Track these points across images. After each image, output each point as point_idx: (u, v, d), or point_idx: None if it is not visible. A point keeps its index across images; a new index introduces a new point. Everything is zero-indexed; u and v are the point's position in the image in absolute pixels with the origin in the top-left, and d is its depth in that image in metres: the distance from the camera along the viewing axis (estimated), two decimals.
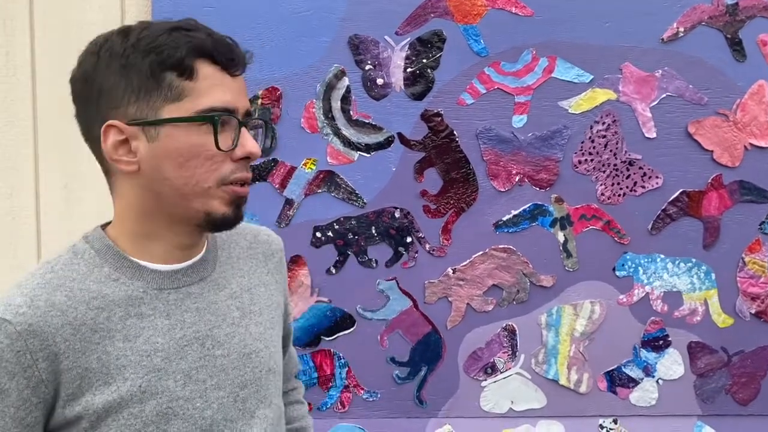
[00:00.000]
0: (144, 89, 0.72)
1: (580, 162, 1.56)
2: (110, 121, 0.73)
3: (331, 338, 1.57)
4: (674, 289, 1.57)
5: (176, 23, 0.74)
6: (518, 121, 1.55)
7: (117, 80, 0.73)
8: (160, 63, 0.72)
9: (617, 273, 1.57)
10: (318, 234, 1.55)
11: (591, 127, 1.55)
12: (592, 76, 1.54)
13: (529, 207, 1.56)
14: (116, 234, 0.78)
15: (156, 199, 0.75)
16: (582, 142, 1.56)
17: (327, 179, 1.54)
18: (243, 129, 0.76)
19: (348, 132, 1.53)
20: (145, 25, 0.75)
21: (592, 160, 1.56)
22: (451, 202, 1.56)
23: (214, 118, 0.73)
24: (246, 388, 0.80)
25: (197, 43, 0.73)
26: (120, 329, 0.74)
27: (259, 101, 1.52)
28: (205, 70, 0.73)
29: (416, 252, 1.56)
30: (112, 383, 0.72)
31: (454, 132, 1.54)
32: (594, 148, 1.55)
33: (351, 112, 1.53)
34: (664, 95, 1.55)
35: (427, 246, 1.56)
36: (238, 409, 0.79)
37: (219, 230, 0.79)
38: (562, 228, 1.57)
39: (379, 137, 1.54)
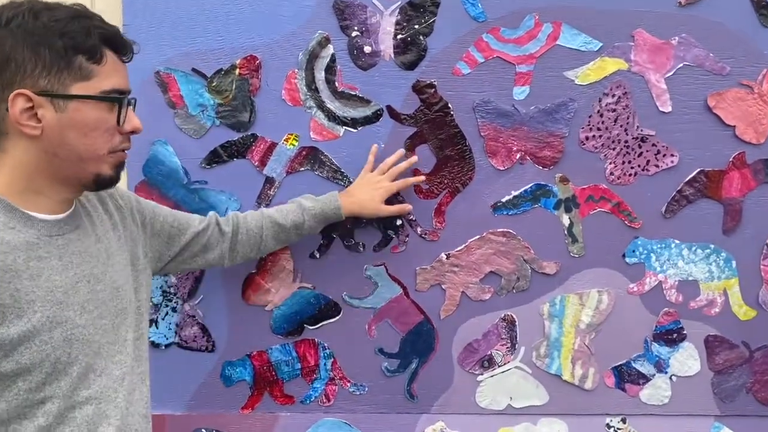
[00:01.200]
0: (56, 66, 0.87)
1: (587, 138, 1.42)
2: (21, 90, 0.86)
3: (315, 327, 1.46)
4: (690, 278, 1.44)
5: (76, 10, 0.90)
6: (519, 93, 1.41)
7: (29, 55, 0.86)
8: (74, 47, 0.87)
9: (627, 260, 1.44)
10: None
11: (600, 100, 1.41)
12: (600, 44, 1.40)
13: (530, 187, 1.43)
14: (4, 188, 0.90)
15: (51, 161, 0.91)
16: (590, 117, 1.42)
17: (310, 156, 1.43)
18: (129, 108, 0.96)
19: (333, 105, 1.41)
20: (51, 6, 0.89)
21: (600, 137, 1.42)
22: (445, 181, 1.43)
23: (120, 99, 0.93)
24: (119, 316, 0.99)
25: (106, 34, 0.91)
26: (25, 270, 0.88)
27: (237, 71, 1.41)
28: (110, 56, 0.92)
29: (407, 235, 1.44)
30: (24, 316, 0.87)
31: (449, 105, 1.41)
32: (603, 123, 1.42)
33: (336, 84, 1.41)
34: (681, 65, 1.40)
35: (419, 229, 1.44)
36: (115, 334, 0.98)
37: (101, 189, 0.98)
38: (567, 210, 1.44)
39: (367, 111, 1.42)
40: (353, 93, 1.41)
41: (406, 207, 1.41)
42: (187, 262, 1.25)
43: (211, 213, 1.31)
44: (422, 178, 1.41)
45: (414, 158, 1.40)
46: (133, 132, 0.97)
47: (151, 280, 1.16)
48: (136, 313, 1.05)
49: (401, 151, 1.40)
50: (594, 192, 1.43)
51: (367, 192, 1.36)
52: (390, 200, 1.40)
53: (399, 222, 1.43)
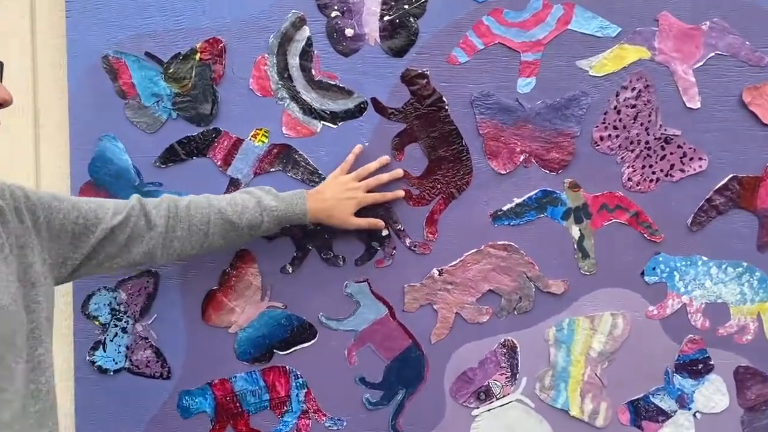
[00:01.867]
0: None
1: (602, 138, 1.23)
2: None
3: (286, 352, 1.27)
4: (719, 300, 1.25)
5: None
6: (525, 85, 1.22)
7: None
8: None
9: (646, 278, 1.25)
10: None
11: (617, 95, 1.22)
12: (619, 29, 1.21)
13: (536, 194, 1.24)
14: None
15: None
16: (605, 113, 1.23)
17: (282, 155, 1.23)
18: None
19: (309, 96, 1.22)
20: None
21: (617, 136, 1.23)
22: (438, 186, 1.24)
23: None
24: (1, 344, 0.80)
25: None
26: None
27: (197, 56, 1.21)
28: None
29: (394, 248, 1.25)
30: None
31: (443, 98, 1.22)
32: (620, 120, 1.23)
33: (313, 71, 1.22)
34: (712, 54, 1.21)
35: (408, 241, 1.25)
36: None
37: None
38: (578, 221, 1.25)
39: (348, 103, 1.22)
40: (332, 83, 1.22)
41: (378, 223, 1.22)
42: (104, 265, 1.02)
43: (134, 197, 1.06)
44: (401, 193, 1.23)
45: (399, 172, 1.22)
46: (2, 105, 0.84)
47: (54, 291, 0.95)
48: (30, 336, 0.86)
49: (385, 159, 1.22)
50: (609, 200, 1.24)
51: (337, 198, 1.17)
52: (374, 208, 1.21)
53: (385, 232, 1.24)
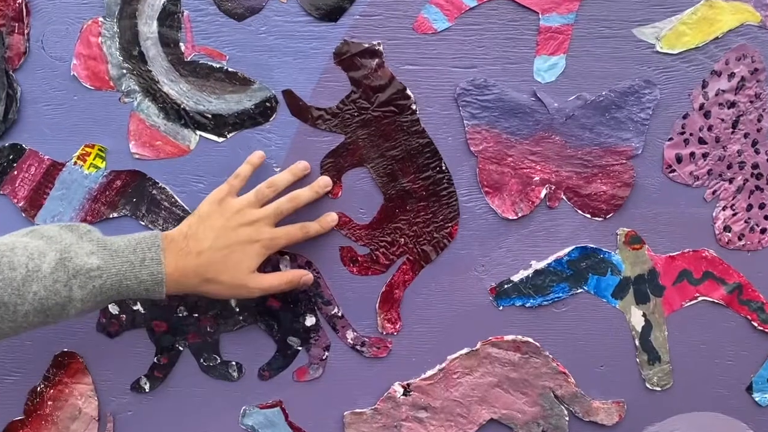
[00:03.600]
0: None
1: (679, 159, 0.72)
2: None
3: None
4: None
5: None
6: (547, 68, 0.72)
7: None
8: None
9: (756, 397, 0.73)
10: (111, 308, 0.72)
11: (704, 85, 0.72)
12: None
13: (569, 255, 0.73)
14: None
15: None
16: (684, 117, 0.72)
17: (131, 190, 0.72)
18: None
19: (176, 89, 0.71)
20: None
21: (705, 156, 0.72)
22: (402, 241, 0.73)
23: None
24: None
25: None
26: None
27: None
28: None
29: (325, 347, 0.73)
30: None
31: (408, 92, 0.71)
32: (710, 129, 0.72)
33: (182, 46, 0.71)
34: None
35: (350, 335, 0.73)
36: None
37: None
38: (641, 300, 0.73)
39: (245, 100, 0.71)
40: (217, 65, 0.71)
41: (306, 276, 0.70)
42: None
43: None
44: (334, 218, 0.71)
45: (331, 218, 0.71)
46: None
47: None
48: None
49: (302, 166, 0.70)
50: (692, 264, 0.73)
51: (225, 244, 0.65)
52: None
53: (311, 320, 0.72)
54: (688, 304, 0.74)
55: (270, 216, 0.67)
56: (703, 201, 0.73)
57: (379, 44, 0.71)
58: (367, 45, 0.71)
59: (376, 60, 0.71)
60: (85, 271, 0.59)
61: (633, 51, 0.71)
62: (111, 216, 0.72)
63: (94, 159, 0.71)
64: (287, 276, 0.68)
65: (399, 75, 0.71)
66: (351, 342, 0.73)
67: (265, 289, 0.67)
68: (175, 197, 0.71)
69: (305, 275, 0.69)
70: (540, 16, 0.71)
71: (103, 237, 0.62)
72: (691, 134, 0.72)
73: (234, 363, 0.73)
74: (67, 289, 0.58)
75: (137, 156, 0.71)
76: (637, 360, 0.73)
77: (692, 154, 0.72)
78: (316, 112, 0.71)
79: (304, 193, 0.68)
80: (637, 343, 0.73)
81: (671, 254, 0.73)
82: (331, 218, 0.70)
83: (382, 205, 0.72)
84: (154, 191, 0.71)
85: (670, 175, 0.73)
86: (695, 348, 0.74)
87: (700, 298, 0.73)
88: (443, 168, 0.72)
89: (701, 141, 0.72)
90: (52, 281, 0.58)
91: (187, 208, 0.72)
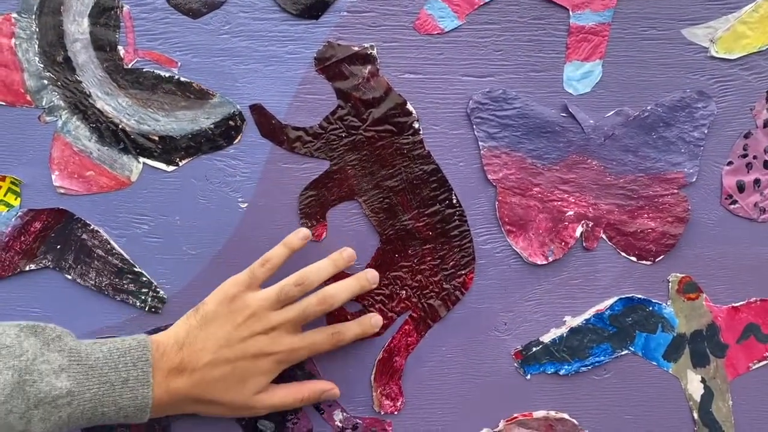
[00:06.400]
0: None
1: (741, 188, 0.59)
2: None
3: None
4: None
5: None
6: (580, 76, 0.58)
7: None
8: None
9: None
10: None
11: None
12: None
13: (611, 308, 0.58)
14: None
15: None
16: (746, 136, 0.59)
17: (54, 233, 0.56)
18: None
19: (113, 104, 0.55)
20: None
21: None
22: (403, 295, 0.57)
23: None
24: None
25: None
26: None
27: None
28: None
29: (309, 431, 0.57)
30: None
31: (409, 107, 0.57)
32: None
33: (121, 51, 0.56)
34: None
35: (338, 417, 0.57)
36: None
37: None
38: (699, 362, 0.59)
39: (201, 118, 0.56)
40: (166, 74, 0.56)
41: (332, 391, 0.55)
42: None
43: None
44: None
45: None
46: None
47: None
48: None
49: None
50: (761, 317, 0.59)
51: (231, 358, 0.50)
52: None
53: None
54: (757, 365, 0.60)
55: (293, 321, 0.52)
56: None
57: (371, 47, 0.56)
58: (356, 48, 0.56)
59: (369, 67, 0.56)
60: (51, 399, 0.44)
61: (683, 56, 0.58)
62: (27, 269, 0.55)
63: (5, 195, 0.55)
64: (303, 391, 0.53)
65: (397, 86, 0.57)
66: (340, 425, 0.57)
67: (274, 409, 0.53)
68: (112, 243, 0.55)
69: (330, 390, 0.54)
70: (570, 13, 0.57)
71: (77, 344, 0.47)
72: (755, 157, 0.59)
73: None
74: (24, 422, 0.44)
75: (62, 190, 0.55)
76: None
77: (757, 182, 0.59)
78: (293, 133, 0.56)
79: (343, 292, 0.52)
80: (695, 416, 0.59)
81: (734, 305, 0.59)
82: (375, 321, 0.55)
83: (378, 249, 0.57)
84: (84, 236, 0.55)
85: (731, 207, 0.59)
86: (767, 421, 0.60)
87: None
88: (454, 201, 0.57)
89: (767, 165, 0.59)
90: (4, 412, 0.43)
91: (126, 256, 0.56)
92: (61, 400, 0.44)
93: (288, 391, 0.53)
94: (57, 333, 0.47)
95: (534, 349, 0.58)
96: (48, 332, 0.46)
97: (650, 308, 0.59)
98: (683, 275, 0.59)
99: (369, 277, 0.54)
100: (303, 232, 0.53)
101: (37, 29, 0.55)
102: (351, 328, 0.54)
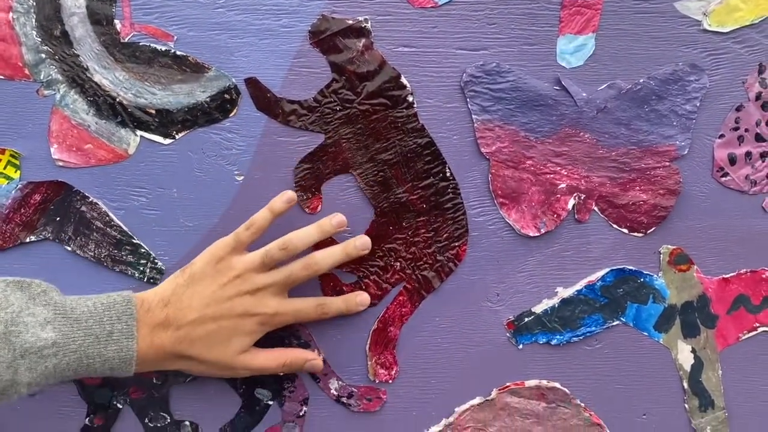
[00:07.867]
0: None
1: (733, 160, 0.60)
2: None
3: None
4: None
5: None
6: (573, 50, 0.58)
7: None
8: None
9: None
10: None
11: (761, 70, 0.59)
12: None
13: (602, 279, 0.59)
14: None
15: None
16: (738, 110, 0.59)
17: (53, 206, 0.56)
18: None
19: (110, 77, 0.56)
20: None
21: (763, 156, 0.60)
22: (397, 266, 0.58)
23: None
24: None
25: None
26: None
27: None
28: None
29: (303, 400, 0.58)
30: None
31: (403, 80, 0.57)
32: None
33: (118, 25, 0.56)
34: None
35: (334, 386, 0.58)
36: None
37: None
38: (690, 332, 0.60)
39: (198, 91, 0.57)
40: (162, 48, 0.56)
41: (315, 362, 0.56)
42: None
43: None
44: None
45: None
46: None
47: None
48: None
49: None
50: (751, 288, 0.60)
51: (220, 314, 0.52)
52: None
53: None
54: (746, 336, 0.61)
55: (278, 284, 0.53)
56: (762, 210, 0.60)
57: (366, 20, 0.57)
58: (351, 21, 0.57)
59: (363, 40, 0.57)
60: (36, 350, 0.45)
61: (675, 29, 0.58)
62: (28, 240, 0.56)
63: (4, 167, 0.56)
64: (286, 357, 0.54)
65: (391, 59, 0.57)
66: (335, 393, 0.58)
67: (255, 371, 0.54)
68: (110, 215, 0.56)
69: (313, 359, 0.55)
70: None
71: (62, 298, 0.48)
72: (746, 130, 0.59)
73: (188, 423, 0.58)
74: (11, 372, 0.45)
75: (61, 163, 0.56)
76: (686, 406, 0.60)
77: (748, 154, 0.60)
78: (288, 107, 0.57)
79: (328, 258, 0.54)
80: (685, 385, 0.60)
81: (725, 276, 0.60)
82: (361, 299, 0.56)
83: (373, 222, 0.58)
84: (83, 208, 0.56)
85: (722, 179, 0.60)
86: (755, 390, 0.61)
87: (761, 329, 0.61)
88: (447, 174, 0.58)
89: (759, 138, 0.60)
90: None
91: (124, 228, 0.57)
92: (46, 350, 0.45)
93: (270, 355, 0.54)
94: (42, 288, 0.48)
95: (526, 319, 0.59)
96: (34, 287, 0.47)
97: (641, 279, 0.60)
98: (674, 247, 0.60)
99: (358, 244, 0.55)
100: (287, 195, 0.54)
101: (35, 3, 0.55)
102: (336, 304, 0.55)
